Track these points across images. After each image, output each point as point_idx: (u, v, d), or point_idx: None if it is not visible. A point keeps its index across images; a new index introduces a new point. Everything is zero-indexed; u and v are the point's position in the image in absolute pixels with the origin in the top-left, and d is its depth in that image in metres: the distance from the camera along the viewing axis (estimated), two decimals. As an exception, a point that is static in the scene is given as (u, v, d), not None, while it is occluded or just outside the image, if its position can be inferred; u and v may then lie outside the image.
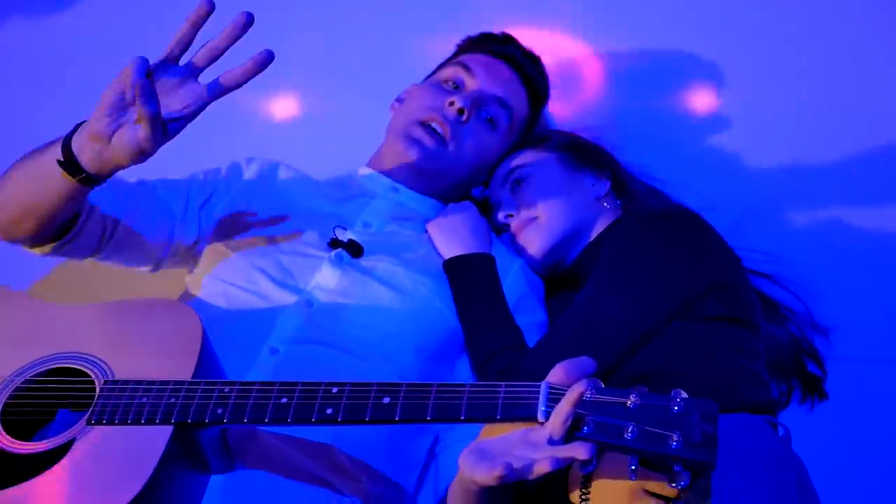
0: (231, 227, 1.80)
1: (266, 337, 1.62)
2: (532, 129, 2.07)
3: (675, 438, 1.19)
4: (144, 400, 1.37)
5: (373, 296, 1.71)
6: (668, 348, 1.59)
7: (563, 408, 1.21)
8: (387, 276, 1.74)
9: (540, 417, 1.24)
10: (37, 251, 1.68)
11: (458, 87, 1.94)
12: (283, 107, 2.26)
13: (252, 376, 1.55)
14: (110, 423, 1.36)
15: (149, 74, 1.38)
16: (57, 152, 1.47)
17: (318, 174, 2.01)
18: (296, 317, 1.65)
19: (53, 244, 1.67)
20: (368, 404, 1.30)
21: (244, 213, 1.82)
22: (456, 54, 2.06)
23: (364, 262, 1.75)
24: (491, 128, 1.94)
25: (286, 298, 1.67)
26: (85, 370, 1.45)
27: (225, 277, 1.73)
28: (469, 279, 1.76)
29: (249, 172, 1.91)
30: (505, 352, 1.65)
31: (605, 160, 1.97)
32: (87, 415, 1.38)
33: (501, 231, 1.93)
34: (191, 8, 1.40)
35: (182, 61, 1.42)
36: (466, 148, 1.90)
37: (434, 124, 1.88)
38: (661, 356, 1.59)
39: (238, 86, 1.41)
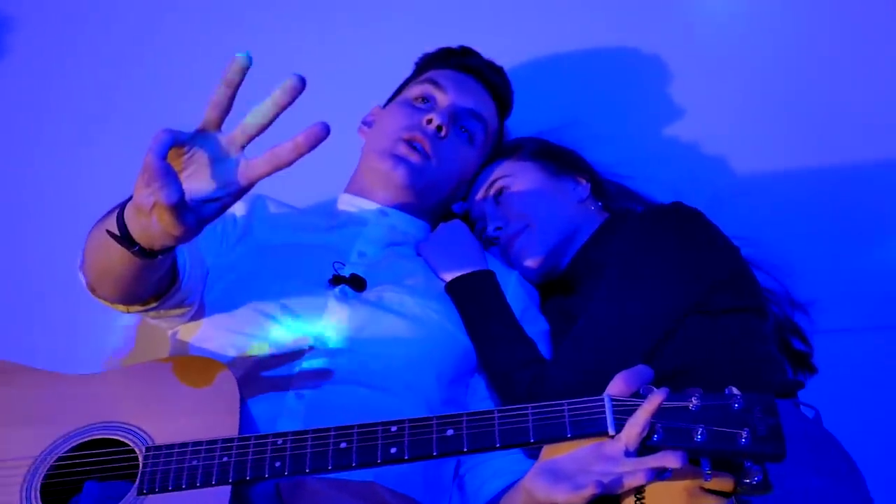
0: (231, 273, 1.75)
1: (289, 384, 1.60)
2: (501, 138, 2.08)
3: (744, 435, 1.22)
4: (195, 462, 1.34)
5: (385, 327, 1.70)
6: (690, 343, 1.63)
7: (641, 418, 1.23)
8: (395, 305, 1.73)
9: (611, 431, 1.26)
10: (123, 309, 1.57)
11: (429, 103, 1.94)
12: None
13: (283, 425, 1.53)
14: (164, 490, 1.33)
15: (180, 147, 1.22)
16: (114, 220, 1.32)
17: (295, 201, 2.00)
18: (315, 359, 1.62)
19: (146, 306, 1.57)
20: (433, 439, 1.30)
21: (242, 257, 1.78)
22: (418, 72, 2.06)
23: (369, 294, 1.73)
24: (468, 141, 1.95)
25: (300, 342, 1.65)
26: (121, 439, 1.41)
27: (230, 327, 1.68)
28: (475, 297, 1.77)
29: (239, 212, 1.86)
30: (528, 365, 1.66)
31: (581, 163, 2.00)
32: (137, 484, 1.35)
33: (489, 244, 1.94)
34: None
35: (225, 127, 1.25)
36: (448, 163, 1.91)
37: (415, 142, 1.88)
38: (683, 352, 1.62)
39: (289, 164, 1.23)
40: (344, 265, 1.77)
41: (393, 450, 1.30)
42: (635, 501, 1.36)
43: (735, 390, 1.28)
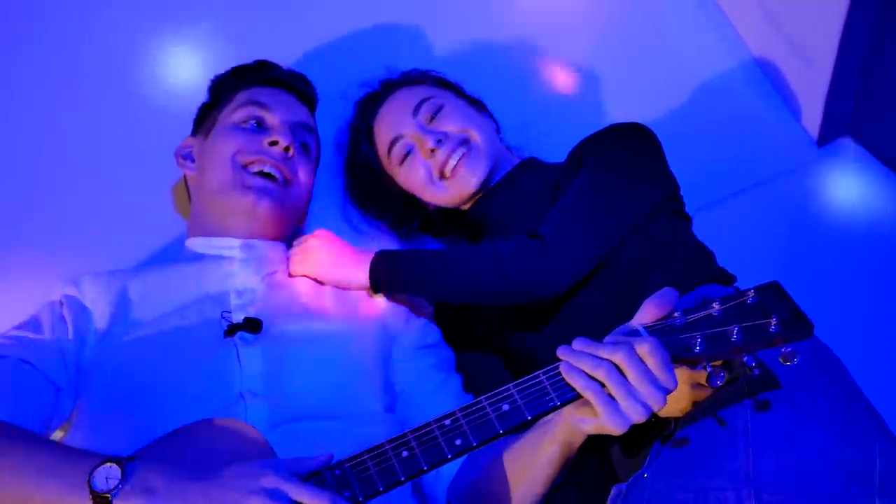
0: (116, 369, 1.63)
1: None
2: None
3: (773, 323, 1.31)
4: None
5: (304, 359, 1.66)
6: (654, 237, 1.75)
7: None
8: (302, 334, 1.70)
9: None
10: None
11: (260, 123, 1.91)
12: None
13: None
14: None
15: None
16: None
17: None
18: (258, 412, 1.55)
19: None
20: (492, 418, 1.32)
21: (123, 346, 1.66)
22: (224, 95, 1.98)
23: (270, 331, 1.67)
24: (307, 154, 1.95)
25: (229, 401, 1.57)
26: None
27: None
28: (407, 266, 1.78)
29: (93, 300, 1.72)
30: (509, 241, 1.72)
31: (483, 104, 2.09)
32: None
33: (401, 161, 1.95)
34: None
35: None
36: (303, 182, 1.91)
37: (266, 168, 1.85)
38: (647, 247, 1.74)
39: None
40: (230, 312, 1.70)
41: (458, 441, 1.31)
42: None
43: (739, 288, 1.37)
